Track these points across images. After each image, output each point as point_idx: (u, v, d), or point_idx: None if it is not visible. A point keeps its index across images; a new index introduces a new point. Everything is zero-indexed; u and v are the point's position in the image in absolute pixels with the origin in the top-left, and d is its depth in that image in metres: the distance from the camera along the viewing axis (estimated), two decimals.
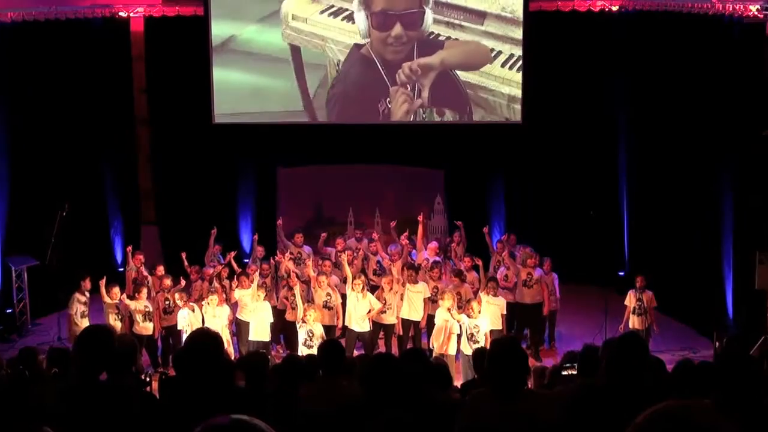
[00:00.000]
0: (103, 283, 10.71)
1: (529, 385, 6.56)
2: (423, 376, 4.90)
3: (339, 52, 14.08)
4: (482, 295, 10.61)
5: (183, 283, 11.21)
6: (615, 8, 13.97)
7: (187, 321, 10.36)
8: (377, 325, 10.87)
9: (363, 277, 10.90)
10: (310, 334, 9.78)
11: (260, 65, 14.24)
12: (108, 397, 3.84)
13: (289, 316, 11.06)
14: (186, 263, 11.81)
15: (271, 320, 10.74)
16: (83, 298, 11.03)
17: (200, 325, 9.99)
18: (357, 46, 13.97)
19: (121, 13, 14.13)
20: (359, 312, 10.56)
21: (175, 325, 10.67)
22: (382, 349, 10.79)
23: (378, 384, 4.27)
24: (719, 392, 3.63)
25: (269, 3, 14.06)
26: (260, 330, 10.60)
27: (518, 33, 13.91)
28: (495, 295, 10.61)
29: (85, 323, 10.61)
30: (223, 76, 14.30)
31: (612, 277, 12.99)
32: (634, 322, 10.97)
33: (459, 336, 10.02)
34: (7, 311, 12.81)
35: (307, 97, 14.29)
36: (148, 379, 6.56)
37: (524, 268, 11.66)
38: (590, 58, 14.37)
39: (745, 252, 11.61)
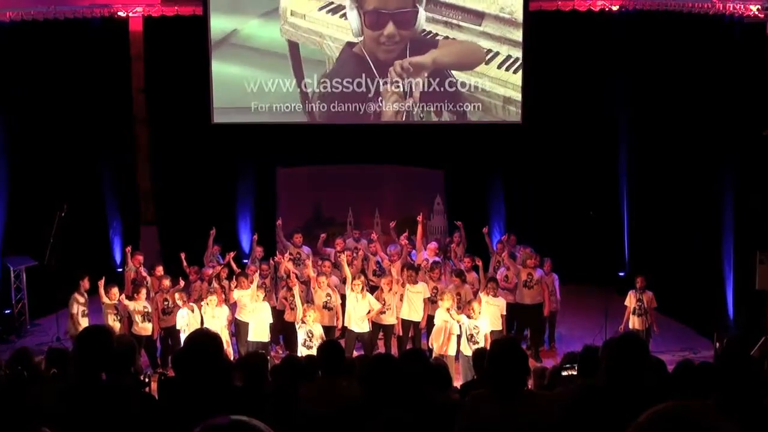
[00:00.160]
0: (101, 283, 10.69)
1: (529, 386, 6.54)
2: (422, 377, 4.88)
3: (337, 49, 14.08)
4: (482, 295, 10.59)
5: (182, 283, 11.19)
6: (615, 8, 13.96)
7: (185, 321, 10.34)
8: (377, 326, 10.85)
9: (362, 278, 10.88)
10: (310, 335, 9.76)
11: (260, 60, 14.22)
12: (107, 397, 3.83)
13: (288, 317, 11.04)
14: (185, 263, 11.79)
15: (271, 321, 10.72)
16: (82, 299, 11.01)
17: (199, 326, 9.98)
18: (350, 44, 13.96)
19: (120, 13, 14.12)
20: (359, 312, 10.54)
21: (174, 326, 10.65)
22: (381, 349, 10.77)
23: (377, 384, 4.26)
24: (720, 393, 3.63)
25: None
26: (259, 330, 10.58)
27: (516, 34, 13.90)
28: (495, 296, 10.60)
29: (84, 323, 10.60)
30: (222, 69, 14.26)
31: (612, 277, 12.98)
32: (634, 322, 10.95)
33: (459, 337, 10.00)
34: (6, 312, 12.80)
35: (305, 94, 14.28)
36: (147, 380, 6.53)
37: (524, 269, 11.64)
38: (590, 58, 14.36)
39: (745, 252, 11.61)
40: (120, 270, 13.33)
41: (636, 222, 14.42)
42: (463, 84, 14.08)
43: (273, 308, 11.05)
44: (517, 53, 13.96)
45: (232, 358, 9.84)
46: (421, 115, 14.20)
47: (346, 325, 10.69)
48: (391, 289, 10.83)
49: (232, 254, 12.07)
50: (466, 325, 9.88)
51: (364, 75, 14.01)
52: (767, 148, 11.41)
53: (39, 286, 12.88)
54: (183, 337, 9.91)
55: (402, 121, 14.22)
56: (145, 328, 10.66)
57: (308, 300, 10.89)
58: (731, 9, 11.83)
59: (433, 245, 12.31)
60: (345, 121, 14.27)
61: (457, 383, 8.21)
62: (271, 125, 14.47)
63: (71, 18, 13.72)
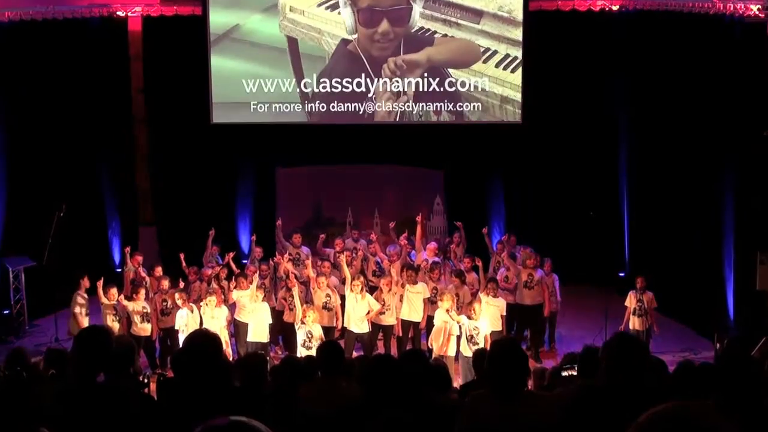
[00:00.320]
0: (100, 284, 10.67)
1: (529, 387, 6.53)
2: (422, 378, 4.87)
3: (335, 45, 14.06)
4: (482, 296, 10.57)
5: (182, 285, 11.18)
6: (615, 8, 13.95)
7: (184, 321, 10.32)
8: (376, 327, 10.83)
9: (362, 278, 10.85)
10: (309, 336, 9.74)
11: (260, 56, 14.19)
12: (105, 398, 3.82)
13: (287, 317, 11.02)
14: (184, 264, 11.77)
15: (270, 321, 10.70)
16: (83, 298, 11.01)
17: (198, 326, 9.96)
18: (344, 42, 13.95)
19: (119, 13, 14.11)
20: (358, 313, 10.52)
21: (173, 327, 10.63)
22: (381, 350, 10.75)
23: (377, 385, 4.25)
24: (720, 393, 3.62)
25: None
26: (259, 331, 10.55)
27: (515, 33, 13.89)
28: (495, 296, 10.57)
29: (86, 323, 10.61)
30: (223, 64, 14.23)
31: (612, 277, 12.95)
32: (634, 323, 10.92)
33: (458, 337, 9.98)
34: (5, 312, 12.77)
35: (304, 94, 14.26)
36: (146, 381, 6.51)
37: (525, 269, 11.61)
38: (590, 58, 14.36)
39: (746, 252, 11.61)
40: (119, 270, 13.30)
41: (636, 222, 14.41)
42: (462, 84, 14.06)
43: (272, 309, 11.03)
44: (516, 52, 13.95)
45: (231, 359, 9.82)
46: (420, 115, 14.19)
47: (345, 325, 10.67)
48: (390, 290, 10.81)
49: (231, 254, 12.05)
50: (466, 326, 9.86)
51: (363, 75, 14.00)
52: (767, 149, 11.41)
53: (38, 287, 12.85)
54: (182, 337, 9.90)
55: (398, 121, 14.20)
56: (144, 328, 10.64)
57: (307, 300, 10.87)
58: (732, 9, 11.83)
59: (432, 245, 12.28)
60: (344, 121, 14.25)
61: (457, 384, 8.20)
62: (270, 125, 14.46)
63: (70, 18, 13.72)
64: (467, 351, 9.63)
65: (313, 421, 4.55)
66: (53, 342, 11.41)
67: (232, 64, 14.25)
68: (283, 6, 14.00)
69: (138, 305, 10.66)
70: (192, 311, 10.45)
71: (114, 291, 10.73)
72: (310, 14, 13.95)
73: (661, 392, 4.68)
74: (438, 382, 5.60)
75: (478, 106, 14.16)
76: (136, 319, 10.63)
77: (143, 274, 11.71)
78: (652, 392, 3.91)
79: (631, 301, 11.04)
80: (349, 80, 14.08)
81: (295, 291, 10.60)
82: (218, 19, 14.11)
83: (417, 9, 13.75)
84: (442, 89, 14.08)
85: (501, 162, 15.14)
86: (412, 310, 10.86)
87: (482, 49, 14.00)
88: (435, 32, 13.92)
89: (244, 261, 12.89)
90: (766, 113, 11.53)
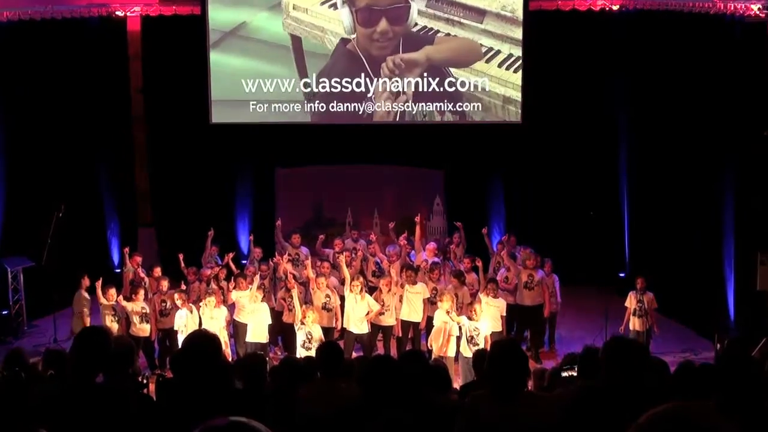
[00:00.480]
0: (99, 284, 10.66)
1: (529, 388, 6.51)
2: (422, 378, 4.86)
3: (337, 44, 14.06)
4: (482, 296, 10.55)
5: (183, 286, 11.17)
6: (615, 7, 13.93)
7: (183, 322, 10.30)
8: (376, 327, 10.81)
9: (361, 279, 10.83)
10: (309, 336, 9.71)
11: (265, 53, 14.16)
12: (104, 399, 3.81)
13: (286, 318, 11.00)
14: (183, 264, 11.76)
15: (269, 322, 10.67)
16: (86, 297, 11.04)
17: (197, 327, 9.94)
18: (343, 41, 13.94)
19: (117, 12, 14.10)
20: (358, 314, 10.50)
21: (172, 328, 10.61)
22: (380, 351, 10.73)
23: (377, 386, 4.23)
24: (720, 394, 3.62)
25: None
26: (258, 332, 10.53)
27: (518, 33, 13.86)
28: (495, 297, 10.54)
29: (89, 322, 10.62)
30: (226, 61, 14.21)
31: (612, 278, 12.94)
32: (634, 323, 10.90)
33: (458, 338, 9.96)
34: (3, 313, 12.75)
35: (303, 94, 14.23)
36: (145, 381, 6.49)
37: (525, 270, 11.59)
38: (590, 58, 14.35)
39: (746, 253, 11.61)
40: (118, 271, 13.29)
41: (636, 222, 14.40)
42: (462, 83, 14.05)
43: (272, 309, 11.01)
44: (519, 52, 13.92)
45: (230, 360, 9.80)
46: (424, 114, 14.15)
47: (345, 326, 10.64)
48: (390, 290, 10.78)
49: (231, 255, 12.03)
50: (467, 327, 9.83)
51: (362, 75, 13.98)
52: (767, 149, 11.41)
53: (36, 287, 12.84)
54: (181, 338, 9.87)
55: (397, 121, 14.18)
56: (143, 329, 10.63)
57: (307, 301, 10.85)
58: (732, 8, 11.84)
59: (431, 246, 12.26)
60: (343, 121, 14.24)
61: (457, 385, 8.18)
62: (269, 125, 14.44)
63: (69, 18, 13.70)
64: (467, 352, 9.61)
65: (313, 422, 4.54)
66: (52, 342, 11.40)
67: (237, 62, 14.20)
68: (287, 4, 13.98)
69: (137, 306, 10.64)
70: (191, 312, 10.43)
71: (113, 291, 10.71)
72: (313, 12, 13.93)
73: (662, 393, 4.67)
74: (438, 382, 5.58)
75: (479, 105, 14.14)
76: (135, 319, 10.61)
77: (142, 275, 11.70)
78: (653, 393, 3.90)
79: (631, 301, 11.01)
80: (348, 80, 14.06)
81: (294, 292, 10.58)
82: (224, 16, 14.08)
83: (415, 7, 13.73)
84: (441, 89, 14.06)
85: (501, 162, 15.13)
86: (412, 311, 10.84)
87: (485, 49, 13.97)
88: (438, 31, 13.89)
89: (244, 261, 12.87)
90: (766, 113, 11.53)
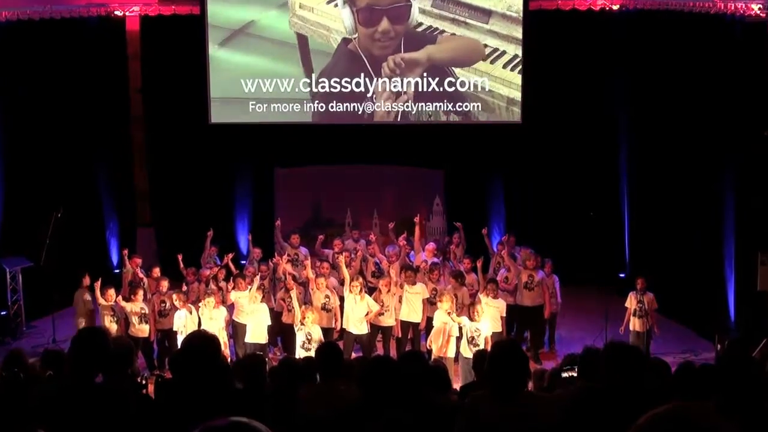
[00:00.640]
0: (98, 285, 10.65)
1: (529, 388, 6.50)
2: (422, 379, 4.85)
3: None
4: (482, 297, 10.53)
5: (184, 287, 11.16)
6: (616, 7, 13.92)
7: (182, 322, 10.29)
8: (375, 328, 10.79)
9: (361, 279, 10.82)
10: (309, 337, 9.70)
11: (273, 51, 14.15)
12: (103, 399, 3.80)
13: (286, 319, 10.98)
14: (182, 265, 11.74)
15: (269, 322, 10.66)
16: (89, 296, 11.03)
17: (196, 327, 9.93)
18: (345, 41, 13.93)
19: (116, 12, 14.09)
20: (357, 314, 10.48)
21: (171, 328, 10.60)
22: (380, 351, 10.71)
23: (376, 386, 4.22)
24: (721, 394, 3.63)
25: None
26: (257, 332, 10.52)
27: (521, 33, 13.84)
28: (495, 297, 10.53)
29: (91, 322, 10.61)
30: (230, 57, 14.20)
31: (612, 278, 12.93)
32: (634, 324, 10.88)
33: (458, 338, 9.95)
34: (2, 313, 12.72)
35: (303, 94, 14.22)
36: (144, 382, 6.48)
37: (525, 270, 11.57)
38: (590, 58, 14.34)
39: (746, 253, 11.60)
40: (117, 271, 13.28)
41: (636, 223, 14.39)
42: (462, 83, 14.03)
43: (271, 310, 10.99)
44: (520, 52, 13.90)
45: (229, 360, 9.79)
46: (429, 114, 14.12)
47: (344, 326, 10.63)
48: (389, 291, 10.76)
49: (230, 255, 12.01)
50: (467, 328, 9.81)
51: (363, 75, 13.97)
52: (767, 149, 11.41)
53: (35, 288, 12.82)
54: (180, 338, 9.86)
55: (398, 121, 14.17)
56: (142, 329, 10.61)
57: (306, 301, 10.84)
58: (732, 8, 11.83)
59: (431, 246, 12.24)
60: (343, 121, 14.23)
61: (457, 385, 8.17)
62: (268, 125, 14.43)
63: (67, 17, 13.68)
64: (467, 352, 9.59)
65: (313, 423, 4.52)
66: (50, 343, 11.38)
67: (243, 60, 14.16)
68: (293, 3, 13.97)
69: (136, 306, 10.63)
70: (190, 312, 10.41)
71: (112, 292, 10.69)
72: (318, 11, 13.93)
73: (662, 393, 4.66)
74: (437, 383, 5.58)
75: (479, 105, 14.12)
76: (134, 320, 10.60)
77: (141, 275, 11.68)
78: (653, 393, 3.90)
79: (631, 302, 10.99)
80: (348, 80, 14.05)
81: (294, 293, 10.57)
82: (232, 14, 14.06)
83: (416, 6, 13.72)
84: (441, 89, 14.05)
85: (501, 162, 15.12)
86: (412, 311, 10.83)
87: (490, 49, 13.95)
88: (443, 31, 13.86)
89: (243, 262, 12.86)
90: (766, 113, 11.52)
